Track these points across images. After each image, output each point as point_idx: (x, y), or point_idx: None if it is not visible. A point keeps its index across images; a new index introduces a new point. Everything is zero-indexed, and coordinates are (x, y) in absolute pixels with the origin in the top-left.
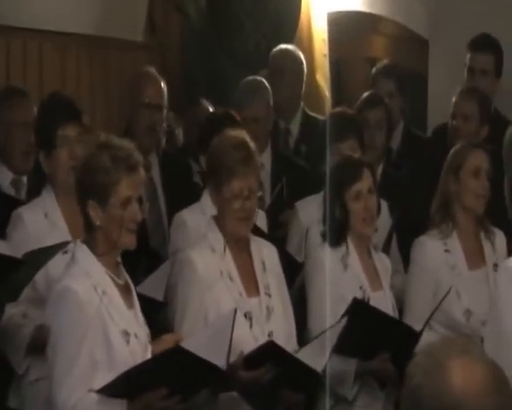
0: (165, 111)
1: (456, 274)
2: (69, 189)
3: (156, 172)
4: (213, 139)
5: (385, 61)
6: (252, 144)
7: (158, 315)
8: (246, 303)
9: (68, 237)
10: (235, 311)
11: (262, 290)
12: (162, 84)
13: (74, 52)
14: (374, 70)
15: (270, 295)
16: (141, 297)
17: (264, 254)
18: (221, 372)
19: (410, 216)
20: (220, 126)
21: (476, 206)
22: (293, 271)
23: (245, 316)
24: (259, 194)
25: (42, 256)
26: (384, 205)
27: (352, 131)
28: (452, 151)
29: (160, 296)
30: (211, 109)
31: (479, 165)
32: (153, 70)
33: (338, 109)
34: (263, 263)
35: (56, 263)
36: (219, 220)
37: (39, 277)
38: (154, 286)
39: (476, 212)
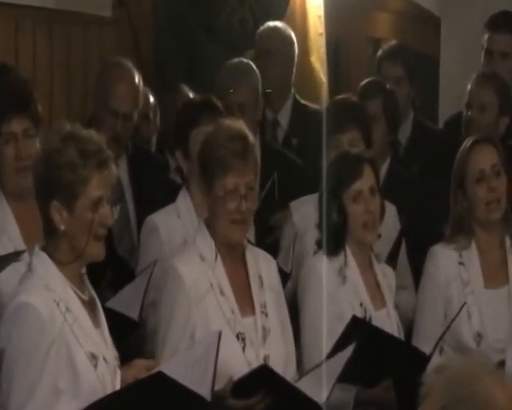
0: (135, 118)
1: (468, 291)
2: (20, 191)
3: (124, 169)
4: (193, 131)
5: (392, 43)
6: (250, 136)
7: (131, 336)
8: (239, 322)
9: (21, 244)
10: (220, 334)
11: (258, 309)
12: (136, 84)
13: (30, 28)
14: (379, 53)
15: (266, 315)
16: (111, 313)
17: (262, 266)
18: (205, 404)
19: (419, 221)
20: (199, 116)
21: (490, 214)
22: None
23: (237, 337)
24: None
25: None
26: (391, 208)
27: (354, 122)
28: (455, 160)
29: (133, 314)
30: (192, 96)
31: (481, 168)
32: (128, 64)
33: (340, 96)
34: (260, 277)
35: (7, 274)
36: (210, 223)
37: None
38: (127, 302)
39: (492, 220)
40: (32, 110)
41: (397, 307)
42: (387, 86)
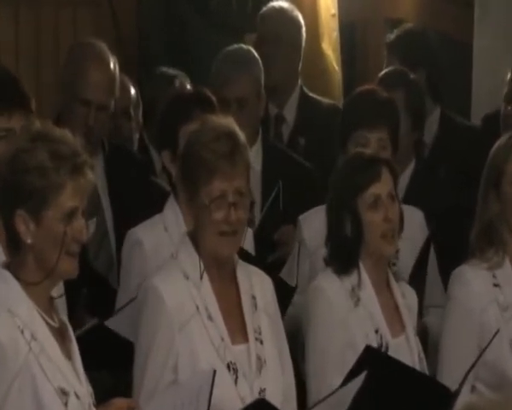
0: (111, 109)
1: (508, 317)
2: None
3: (100, 172)
4: (182, 128)
5: (401, 28)
6: (241, 135)
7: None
8: (229, 351)
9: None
10: (214, 373)
11: (251, 335)
12: (111, 68)
13: None
14: (386, 38)
15: (261, 342)
16: (111, 335)
17: (255, 286)
18: None
19: (449, 231)
20: (189, 112)
21: None
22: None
23: (228, 368)
24: (250, 201)
25: None
26: (418, 215)
27: (385, 120)
28: (489, 156)
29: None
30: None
31: None
32: (101, 46)
33: (367, 87)
34: (253, 298)
35: None
36: (195, 236)
37: None
38: (123, 326)
39: None
40: (30, 108)
41: (424, 330)
42: (411, 76)
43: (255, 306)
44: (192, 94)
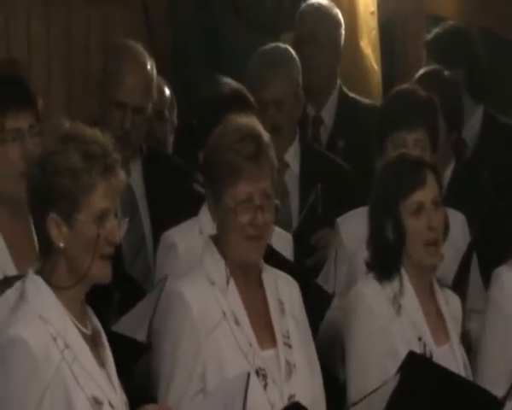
0: (148, 112)
1: None
2: (17, 200)
3: (138, 177)
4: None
5: (444, 24)
6: (265, 135)
7: (138, 366)
8: (258, 356)
9: (11, 269)
10: (249, 375)
11: (280, 340)
12: (148, 70)
13: (24, 8)
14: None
15: (290, 346)
16: (116, 337)
17: (282, 290)
18: None
19: (491, 235)
20: (227, 112)
21: None
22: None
23: (257, 374)
24: (276, 203)
25: None
26: (460, 219)
27: (424, 120)
28: None
29: (140, 338)
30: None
31: None
32: (137, 47)
33: (405, 86)
34: (280, 303)
35: None
36: (220, 241)
37: None
38: (133, 324)
39: None
40: (37, 107)
41: (467, 336)
42: (446, 76)
43: (282, 310)
44: (229, 93)
